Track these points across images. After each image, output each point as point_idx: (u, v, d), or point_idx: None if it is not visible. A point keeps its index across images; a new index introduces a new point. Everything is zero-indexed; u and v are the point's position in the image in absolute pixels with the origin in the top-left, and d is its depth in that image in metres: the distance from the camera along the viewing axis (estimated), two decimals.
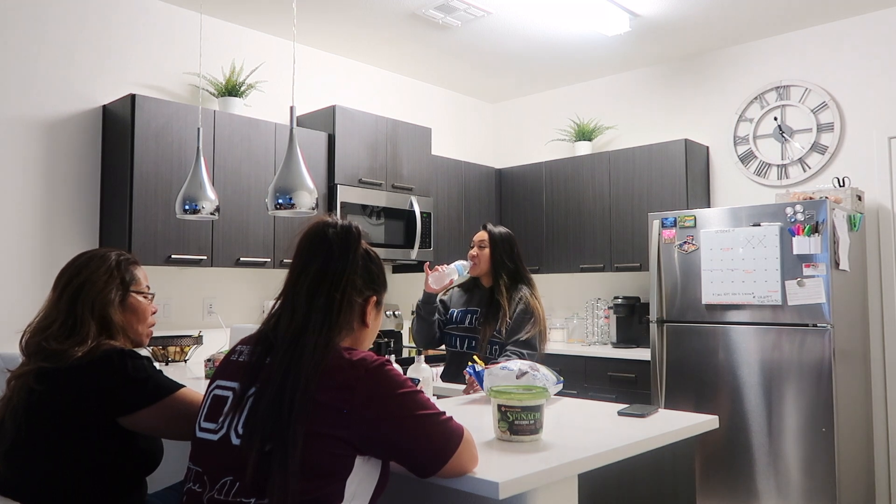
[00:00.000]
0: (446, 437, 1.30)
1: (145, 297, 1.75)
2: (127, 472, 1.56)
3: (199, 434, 1.34)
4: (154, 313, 1.80)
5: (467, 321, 2.84)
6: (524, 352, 2.65)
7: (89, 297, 1.61)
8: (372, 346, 1.52)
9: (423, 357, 2.32)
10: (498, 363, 2.27)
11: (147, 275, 1.80)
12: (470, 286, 2.95)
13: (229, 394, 1.32)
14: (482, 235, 2.88)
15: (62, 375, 1.50)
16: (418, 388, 1.32)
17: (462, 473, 1.34)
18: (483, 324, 2.75)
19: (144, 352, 2.98)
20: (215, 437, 1.30)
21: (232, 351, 1.44)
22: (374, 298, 1.45)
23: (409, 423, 1.26)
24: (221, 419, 1.30)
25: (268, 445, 1.19)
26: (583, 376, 4.19)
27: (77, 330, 1.56)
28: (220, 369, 1.42)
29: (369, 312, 1.44)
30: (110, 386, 1.50)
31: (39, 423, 1.49)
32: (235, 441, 1.26)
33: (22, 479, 1.49)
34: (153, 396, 1.53)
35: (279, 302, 1.38)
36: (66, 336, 1.55)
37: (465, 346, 2.82)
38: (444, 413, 1.32)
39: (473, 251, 2.87)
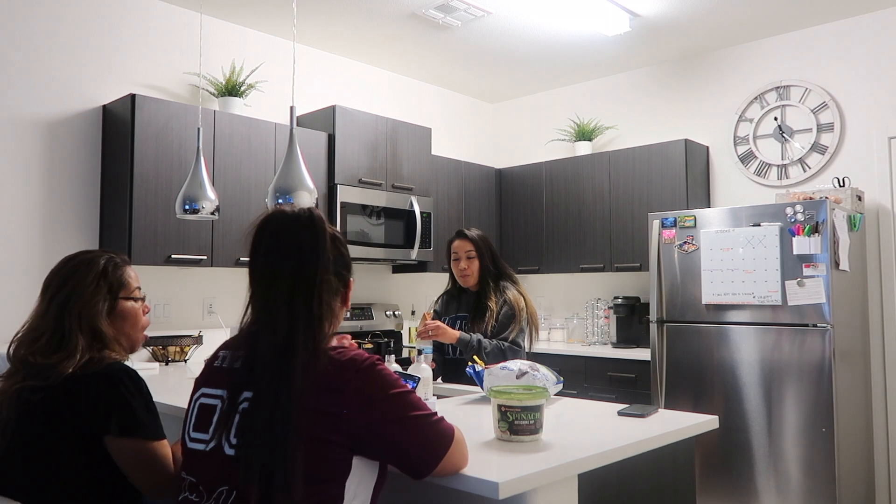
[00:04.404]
0: (438, 437, 1.30)
1: (136, 301, 1.69)
2: (124, 479, 1.54)
3: (190, 444, 1.31)
4: (147, 313, 1.74)
5: (456, 327, 2.86)
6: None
7: (76, 308, 1.56)
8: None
9: (423, 357, 2.31)
10: (498, 363, 2.28)
11: (138, 275, 1.74)
12: (456, 293, 2.98)
13: (217, 402, 1.30)
14: (466, 245, 2.84)
15: (58, 387, 1.46)
16: (415, 387, 1.32)
17: (453, 473, 1.34)
18: (471, 329, 2.79)
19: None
20: (206, 448, 1.27)
21: (214, 356, 1.40)
22: (351, 281, 1.45)
23: (402, 423, 1.25)
24: (212, 429, 1.28)
25: (267, 466, 1.16)
26: (583, 376, 4.19)
27: (65, 344, 1.52)
28: (204, 376, 1.38)
29: (349, 295, 1.45)
30: (105, 402, 1.46)
31: (33, 433, 1.47)
32: (229, 451, 1.23)
33: (17, 484, 1.47)
34: (137, 431, 1.48)
35: (254, 314, 1.34)
36: (54, 350, 1.51)
37: (458, 352, 2.84)
38: (435, 413, 1.32)
39: (462, 264, 2.83)
